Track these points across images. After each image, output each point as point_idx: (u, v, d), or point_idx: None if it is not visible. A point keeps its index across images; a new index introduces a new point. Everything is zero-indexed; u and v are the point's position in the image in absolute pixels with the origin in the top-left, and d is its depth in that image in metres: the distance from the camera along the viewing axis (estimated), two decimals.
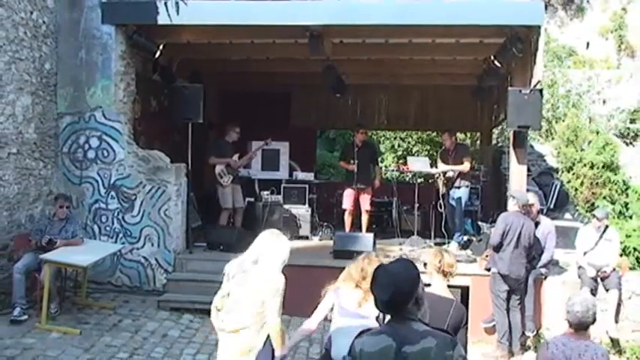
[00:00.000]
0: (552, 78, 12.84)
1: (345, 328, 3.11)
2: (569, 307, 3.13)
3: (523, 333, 5.86)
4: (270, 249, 3.20)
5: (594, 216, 6.41)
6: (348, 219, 7.95)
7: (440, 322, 3.24)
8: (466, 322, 3.37)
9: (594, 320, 3.09)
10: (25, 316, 5.27)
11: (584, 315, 3.07)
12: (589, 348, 3.04)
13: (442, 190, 7.81)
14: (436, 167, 8.00)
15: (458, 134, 9.28)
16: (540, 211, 6.46)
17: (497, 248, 5.72)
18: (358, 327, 2.93)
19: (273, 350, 3.21)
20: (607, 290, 6.15)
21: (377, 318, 3.04)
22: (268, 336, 3.19)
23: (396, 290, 2.07)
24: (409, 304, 2.10)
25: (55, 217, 5.82)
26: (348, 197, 7.89)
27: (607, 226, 6.42)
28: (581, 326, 3.09)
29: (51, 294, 5.35)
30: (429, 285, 3.46)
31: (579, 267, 6.32)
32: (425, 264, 3.47)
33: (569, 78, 12.96)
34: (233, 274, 3.21)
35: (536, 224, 6.03)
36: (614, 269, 6.21)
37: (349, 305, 3.24)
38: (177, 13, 6.32)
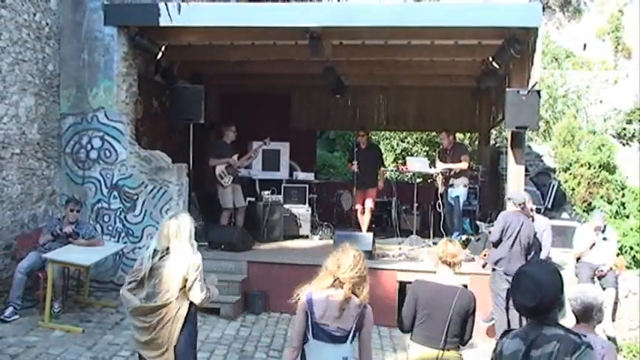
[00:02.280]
0: (552, 79, 12.94)
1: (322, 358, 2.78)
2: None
3: None
4: (176, 230, 3.39)
5: (597, 228, 6.40)
6: (360, 218, 8.13)
7: (443, 311, 3.35)
8: (474, 309, 3.45)
9: (584, 311, 2.95)
10: (17, 316, 5.26)
11: (572, 306, 3.01)
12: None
13: (441, 189, 7.89)
14: (435, 167, 8.08)
15: (457, 134, 9.35)
16: (537, 210, 6.52)
17: (496, 245, 5.79)
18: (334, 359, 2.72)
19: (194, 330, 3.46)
20: (604, 289, 6.21)
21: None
22: (189, 312, 3.38)
23: (542, 298, 2.11)
24: (553, 310, 2.15)
25: (64, 220, 5.88)
26: (356, 198, 8.11)
27: (605, 225, 6.49)
28: (578, 318, 3.03)
29: (55, 293, 5.40)
30: (433, 273, 3.62)
31: (576, 265, 6.40)
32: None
33: (567, 79, 13.06)
34: (149, 256, 3.40)
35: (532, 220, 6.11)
36: (610, 268, 6.28)
37: (325, 317, 2.78)
38: (182, 15, 6.37)
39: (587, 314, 2.98)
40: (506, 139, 7.25)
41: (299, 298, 2.89)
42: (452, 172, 7.77)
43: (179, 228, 3.41)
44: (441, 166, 7.85)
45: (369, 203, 8.09)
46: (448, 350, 3.38)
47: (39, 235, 5.87)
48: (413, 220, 8.08)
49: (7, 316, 5.22)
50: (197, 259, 3.41)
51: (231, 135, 7.89)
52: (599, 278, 6.28)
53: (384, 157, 10.99)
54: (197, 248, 3.50)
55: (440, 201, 7.83)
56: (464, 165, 7.75)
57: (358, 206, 8.17)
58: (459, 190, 7.72)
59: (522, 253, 5.72)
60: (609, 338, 6.05)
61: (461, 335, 3.44)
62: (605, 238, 6.36)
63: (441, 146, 8.37)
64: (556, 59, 14.30)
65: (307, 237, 8.29)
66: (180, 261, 3.37)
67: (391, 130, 13.59)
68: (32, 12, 6.13)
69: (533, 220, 6.14)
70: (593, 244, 6.31)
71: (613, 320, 6.16)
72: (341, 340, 2.76)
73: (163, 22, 6.44)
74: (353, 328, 2.77)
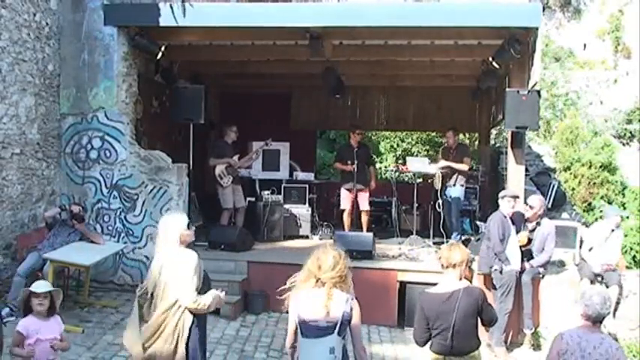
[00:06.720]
0: (553, 80, 12.95)
1: (311, 355, 2.87)
2: (587, 300, 3.06)
3: (521, 330, 5.93)
4: (165, 230, 3.39)
5: (621, 218, 6.43)
6: (347, 219, 8.03)
7: (448, 317, 3.34)
8: (484, 300, 3.44)
9: (609, 313, 3.08)
10: (13, 317, 5.20)
11: (603, 307, 3.03)
12: (604, 341, 3.00)
13: (437, 186, 7.88)
14: (436, 164, 8.08)
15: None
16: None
17: None
18: (322, 351, 2.80)
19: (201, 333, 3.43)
20: (607, 287, 6.20)
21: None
22: (193, 320, 3.34)
23: None
24: None
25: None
26: (345, 198, 7.98)
27: None
28: (598, 319, 3.05)
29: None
30: (435, 284, 3.58)
31: (579, 262, 6.40)
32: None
33: (568, 79, 13.08)
34: (157, 264, 3.37)
35: (537, 224, 6.11)
36: (616, 265, 6.30)
37: (312, 314, 2.89)
38: (182, 16, 6.37)
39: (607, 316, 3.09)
40: (506, 139, 7.26)
41: (288, 298, 3.03)
42: (451, 172, 7.77)
43: (166, 227, 3.39)
44: (442, 163, 7.84)
45: (364, 205, 8.00)
46: (459, 355, 3.38)
47: (39, 235, 5.87)
48: (413, 220, 8.06)
49: (2, 316, 5.20)
50: (186, 258, 3.31)
51: (233, 135, 7.89)
52: (606, 273, 6.26)
53: (382, 156, 11.04)
54: (195, 248, 3.45)
55: (440, 201, 7.83)
56: (465, 167, 7.77)
57: (347, 206, 7.97)
58: (457, 189, 7.73)
59: (489, 252, 5.85)
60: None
61: (476, 333, 3.42)
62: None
63: (446, 144, 8.36)
64: (557, 59, 14.30)
65: (307, 237, 8.29)
66: (171, 263, 3.30)
67: (391, 130, 13.59)
68: (32, 12, 6.14)
69: (539, 224, 6.14)
70: (606, 240, 6.30)
71: (614, 318, 6.16)
72: (328, 331, 2.85)
73: (163, 22, 6.43)
74: (340, 320, 2.86)
